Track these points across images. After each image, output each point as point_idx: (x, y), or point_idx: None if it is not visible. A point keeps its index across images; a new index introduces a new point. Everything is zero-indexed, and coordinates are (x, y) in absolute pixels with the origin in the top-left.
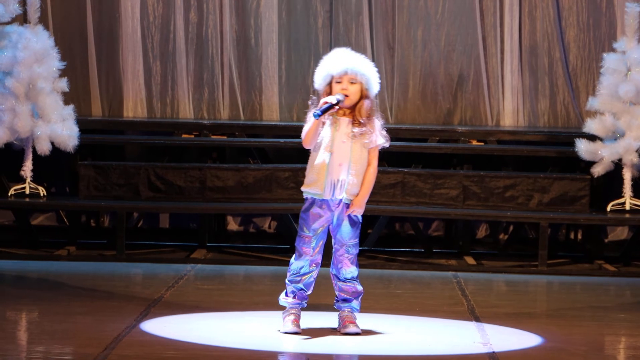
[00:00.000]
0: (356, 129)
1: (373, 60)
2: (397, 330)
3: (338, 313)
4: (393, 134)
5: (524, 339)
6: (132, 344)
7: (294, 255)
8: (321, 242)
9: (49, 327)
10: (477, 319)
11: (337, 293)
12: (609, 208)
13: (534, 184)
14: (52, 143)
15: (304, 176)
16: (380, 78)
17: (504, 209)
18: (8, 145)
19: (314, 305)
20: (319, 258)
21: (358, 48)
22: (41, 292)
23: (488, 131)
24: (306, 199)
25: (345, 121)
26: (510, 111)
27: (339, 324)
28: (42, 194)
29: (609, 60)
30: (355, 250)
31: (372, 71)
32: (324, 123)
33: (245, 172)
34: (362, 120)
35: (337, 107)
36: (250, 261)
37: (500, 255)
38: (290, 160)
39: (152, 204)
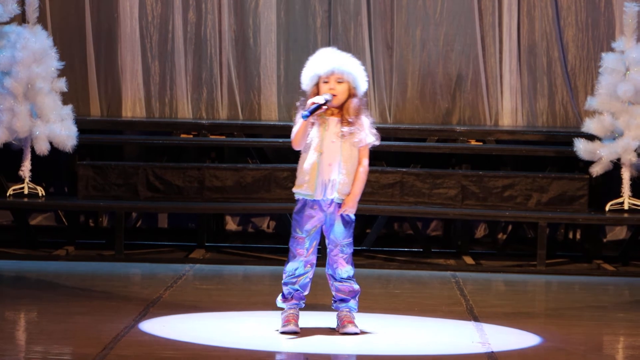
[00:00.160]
0: (345, 128)
1: (372, 60)
2: (396, 330)
3: (336, 313)
4: (392, 133)
5: (523, 339)
6: (130, 344)
7: (288, 257)
8: (315, 243)
9: (48, 327)
10: (475, 318)
11: (334, 293)
12: (607, 208)
13: (532, 183)
14: (51, 143)
15: None
16: (379, 78)
17: (502, 208)
18: (7, 145)
19: (312, 305)
20: (313, 258)
21: (357, 48)
22: (40, 292)
23: (487, 131)
24: (298, 200)
25: (334, 121)
26: (508, 111)
27: (338, 324)
28: (40, 194)
29: (608, 60)
30: (349, 250)
31: (359, 69)
32: (312, 124)
33: (244, 172)
34: (350, 120)
35: (325, 107)
36: (249, 261)
37: (499, 255)
38: (289, 160)
39: (150, 204)
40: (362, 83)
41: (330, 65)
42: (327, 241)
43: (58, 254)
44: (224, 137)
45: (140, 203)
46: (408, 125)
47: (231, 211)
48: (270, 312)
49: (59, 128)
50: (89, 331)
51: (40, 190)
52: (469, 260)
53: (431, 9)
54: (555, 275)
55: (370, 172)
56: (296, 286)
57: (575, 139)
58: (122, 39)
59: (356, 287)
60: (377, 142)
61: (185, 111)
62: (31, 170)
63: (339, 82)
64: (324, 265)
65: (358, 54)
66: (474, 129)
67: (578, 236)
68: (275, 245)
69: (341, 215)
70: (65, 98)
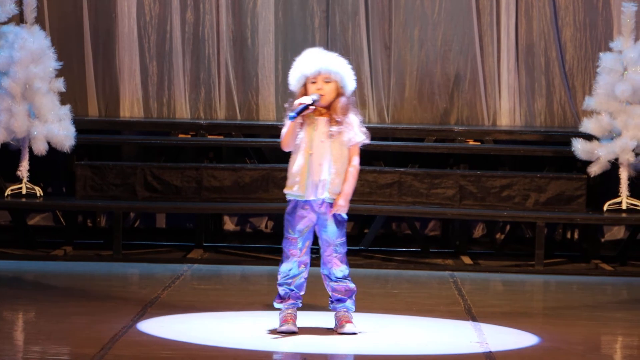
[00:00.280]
0: (334, 128)
1: (369, 60)
2: (394, 330)
3: (334, 313)
4: (390, 133)
5: (521, 339)
6: (129, 344)
7: (282, 258)
8: (307, 243)
9: (46, 327)
10: (473, 318)
11: (330, 293)
12: (605, 207)
13: (530, 183)
14: (49, 143)
15: None
16: (377, 78)
17: (500, 208)
18: (4, 146)
19: (310, 305)
20: (306, 259)
21: (354, 48)
22: (38, 292)
23: (484, 131)
24: (289, 200)
25: (323, 121)
26: (506, 111)
27: (336, 324)
28: (38, 194)
29: (606, 60)
30: (343, 249)
31: (346, 68)
32: (301, 124)
33: (242, 172)
34: (338, 119)
35: (312, 107)
36: (247, 261)
37: (497, 255)
38: (287, 160)
39: (148, 204)
40: (350, 82)
41: (317, 66)
42: (320, 241)
43: (56, 254)
44: (222, 137)
45: (138, 203)
46: (406, 125)
47: (229, 211)
48: (268, 312)
49: (56, 128)
50: (86, 331)
51: (38, 191)
52: (467, 260)
53: (429, 9)
54: (553, 275)
55: (368, 172)
56: (292, 287)
57: (573, 138)
58: (120, 39)
59: (352, 285)
60: (367, 141)
61: (183, 111)
62: (29, 171)
63: (327, 82)
64: (318, 265)
65: (356, 54)
66: (472, 129)
67: (576, 236)
68: (273, 245)
69: (333, 215)
70: (63, 98)
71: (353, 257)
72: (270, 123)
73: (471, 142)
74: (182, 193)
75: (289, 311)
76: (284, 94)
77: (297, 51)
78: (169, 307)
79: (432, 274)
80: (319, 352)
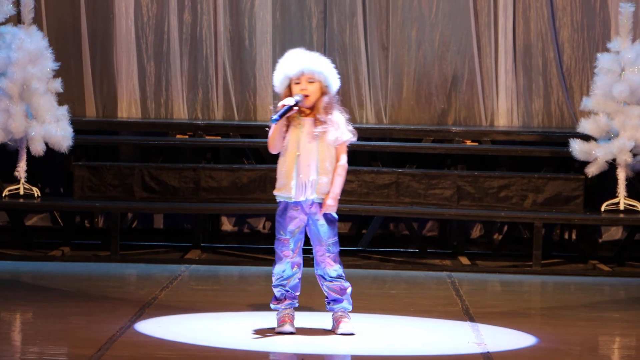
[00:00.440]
0: (319, 128)
1: (367, 61)
2: (392, 330)
3: (331, 314)
4: (387, 134)
5: (519, 339)
6: (126, 344)
7: (274, 260)
8: (299, 243)
9: (43, 327)
10: (471, 319)
11: (326, 294)
12: (603, 208)
13: (528, 184)
14: (46, 144)
15: None
16: (374, 78)
17: (498, 209)
18: (2, 146)
19: (307, 305)
20: (299, 259)
21: (352, 48)
22: (35, 293)
23: (482, 131)
24: (279, 202)
25: (309, 121)
26: (504, 111)
27: (333, 325)
28: (36, 195)
29: (603, 60)
30: (335, 249)
31: (329, 68)
32: (287, 125)
33: (240, 172)
34: (322, 119)
35: (296, 108)
36: (245, 261)
37: (495, 256)
38: None
39: (146, 205)
40: (334, 81)
41: (300, 66)
42: (312, 242)
43: (54, 255)
44: (219, 137)
45: (135, 204)
46: (404, 125)
47: (227, 212)
48: (266, 312)
49: (54, 129)
50: (84, 332)
51: (36, 191)
52: (464, 260)
53: (427, 9)
54: (551, 276)
55: (366, 172)
56: (287, 288)
57: (571, 139)
58: (118, 39)
59: (347, 284)
60: (354, 139)
61: (180, 112)
62: (27, 171)
63: (310, 82)
64: (310, 266)
65: (353, 55)
66: (469, 130)
67: (574, 236)
68: (271, 245)
69: (324, 215)
70: (61, 99)
71: (351, 257)
72: (267, 123)
73: (469, 143)
74: (180, 194)
75: (287, 311)
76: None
77: None
78: (166, 307)
79: (430, 275)
80: (316, 353)
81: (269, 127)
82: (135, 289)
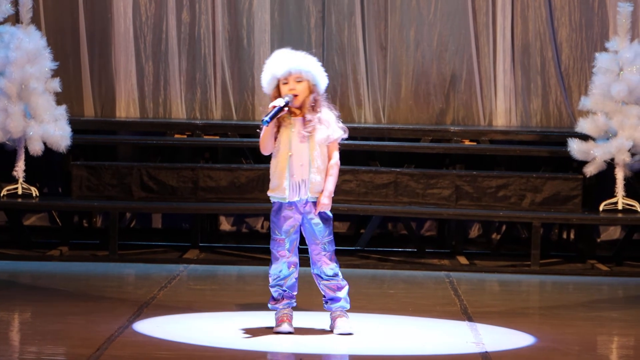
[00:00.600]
0: (308, 128)
1: (365, 61)
2: (390, 330)
3: (329, 313)
4: (385, 134)
5: (517, 339)
6: (124, 344)
7: (270, 260)
8: (295, 243)
9: (42, 327)
10: (469, 318)
11: (323, 293)
12: (601, 208)
13: (526, 183)
14: (45, 143)
15: None
16: (373, 78)
17: (496, 208)
18: (0, 146)
19: (306, 305)
20: (295, 259)
21: (350, 48)
22: (34, 293)
23: (480, 131)
24: (274, 202)
25: (299, 121)
26: (502, 111)
27: (331, 324)
28: (34, 195)
29: (601, 60)
30: (331, 247)
31: (316, 66)
32: (278, 126)
33: (238, 172)
34: (309, 117)
35: (286, 108)
36: (243, 261)
37: (493, 255)
38: None
39: (144, 204)
40: (322, 79)
41: (287, 66)
42: (307, 241)
43: (52, 255)
44: (217, 137)
45: (134, 203)
46: (402, 125)
47: (225, 211)
48: (264, 312)
49: (52, 128)
50: (82, 332)
51: (34, 191)
52: (463, 260)
53: (425, 9)
54: (549, 275)
55: (365, 172)
56: (284, 287)
57: (569, 139)
58: (116, 39)
59: (343, 283)
60: (346, 136)
61: (179, 111)
62: (25, 171)
63: (298, 82)
64: (307, 265)
65: (352, 55)
66: (467, 129)
67: (572, 236)
68: (269, 245)
69: (319, 213)
70: (59, 98)
71: (349, 257)
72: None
73: (467, 142)
74: (178, 193)
75: (285, 311)
76: None
77: None
78: (165, 307)
79: (428, 274)
80: (314, 353)
81: (260, 128)
82: (134, 288)
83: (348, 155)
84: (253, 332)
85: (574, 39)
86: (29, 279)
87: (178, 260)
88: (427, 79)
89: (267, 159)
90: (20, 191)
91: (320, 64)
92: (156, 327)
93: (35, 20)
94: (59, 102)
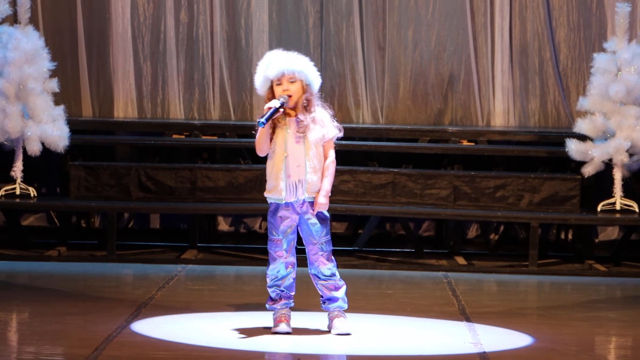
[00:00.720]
0: (301, 128)
1: (364, 61)
2: (388, 330)
3: (327, 313)
4: (384, 134)
5: (515, 339)
6: (122, 344)
7: (268, 260)
8: (292, 243)
9: (40, 327)
10: (467, 319)
11: (321, 293)
12: (599, 208)
13: (524, 184)
14: (43, 143)
15: None
16: (371, 78)
17: (494, 209)
18: None
19: (303, 305)
20: (293, 259)
21: (349, 48)
22: (32, 293)
23: (479, 131)
24: (270, 203)
25: (294, 121)
26: (500, 111)
27: (329, 324)
28: (32, 195)
29: (600, 60)
30: (328, 247)
31: (309, 66)
32: (273, 127)
33: (236, 172)
34: (302, 117)
35: (281, 110)
36: (241, 262)
37: (491, 255)
38: None
39: (142, 205)
40: (315, 79)
41: (280, 67)
42: (304, 241)
43: (50, 255)
44: (216, 137)
45: (132, 204)
46: (400, 125)
47: (223, 212)
48: (262, 312)
49: (50, 128)
50: (80, 332)
51: (32, 191)
52: (461, 260)
53: (423, 9)
54: (547, 276)
55: (363, 172)
56: (282, 288)
57: (567, 139)
58: (114, 39)
59: (341, 282)
60: (341, 134)
61: (177, 112)
62: (23, 171)
63: (292, 82)
64: (304, 265)
65: (350, 55)
66: (466, 130)
67: (570, 236)
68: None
69: (316, 214)
70: (57, 98)
71: (347, 257)
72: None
73: (465, 143)
74: (176, 193)
75: (283, 311)
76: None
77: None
78: (163, 307)
79: (426, 275)
80: (312, 353)
81: (255, 130)
82: (132, 289)
83: (346, 155)
84: (251, 332)
85: (572, 39)
86: (27, 279)
87: (176, 261)
88: (425, 79)
89: (265, 159)
90: (18, 191)
91: (313, 63)
92: (154, 327)
93: (33, 21)
94: (57, 103)
